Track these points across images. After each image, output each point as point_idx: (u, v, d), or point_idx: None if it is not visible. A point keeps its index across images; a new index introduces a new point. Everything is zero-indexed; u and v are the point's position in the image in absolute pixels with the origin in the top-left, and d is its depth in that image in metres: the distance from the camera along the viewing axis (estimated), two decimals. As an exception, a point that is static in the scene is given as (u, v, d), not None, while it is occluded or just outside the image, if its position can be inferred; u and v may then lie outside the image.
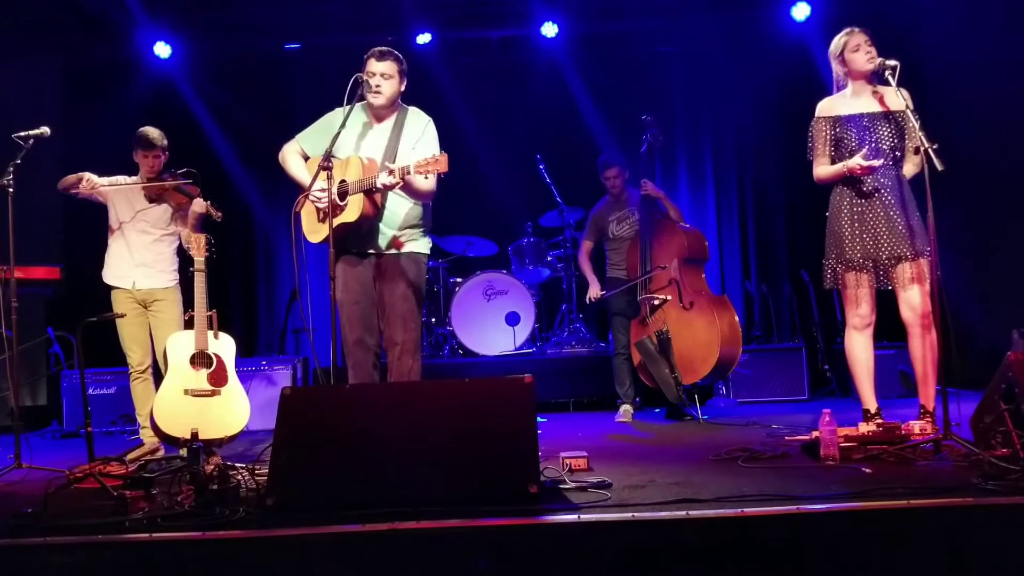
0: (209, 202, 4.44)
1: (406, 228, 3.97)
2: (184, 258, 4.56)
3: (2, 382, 4.58)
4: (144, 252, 4.54)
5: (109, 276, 4.58)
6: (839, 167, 3.83)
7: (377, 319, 3.96)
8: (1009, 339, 5.38)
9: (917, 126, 3.57)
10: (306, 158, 4.02)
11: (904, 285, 3.77)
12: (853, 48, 3.82)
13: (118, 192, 4.55)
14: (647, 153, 5.47)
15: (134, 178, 4.61)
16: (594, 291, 5.63)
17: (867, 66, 3.79)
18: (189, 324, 4.25)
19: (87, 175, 4.50)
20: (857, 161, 3.73)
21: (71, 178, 4.53)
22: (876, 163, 3.74)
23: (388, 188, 3.67)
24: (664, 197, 5.54)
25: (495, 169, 7.16)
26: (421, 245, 4.04)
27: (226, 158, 7.25)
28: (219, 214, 4.46)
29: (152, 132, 4.58)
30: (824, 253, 3.96)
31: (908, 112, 3.65)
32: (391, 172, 3.63)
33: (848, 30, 3.85)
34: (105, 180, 4.57)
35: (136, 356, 4.51)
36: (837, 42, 3.88)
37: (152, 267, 4.53)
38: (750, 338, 6.69)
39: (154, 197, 4.53)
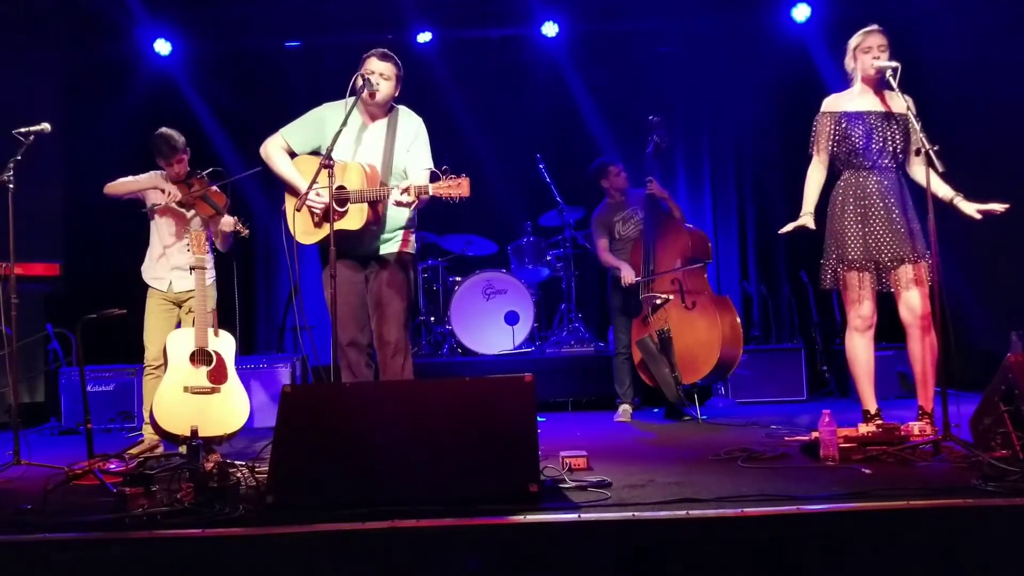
0: (236, 219, 4.46)
1: (399, 230, 3.99)
2: (218, 256, 4.58)
3: (1, 379, 4.58)
4: (178, 255, 4.57)
5: (147, 275, 4.62)
6: (804, 208, 3.99)
7: (368, 319, 3.96)
8: (1008, 341, 5.39)
9: (918, 127, 3.58)
10: (291, 154, 4.00)
11: (904, 286, 3.77)
12: (864, 49, 3.83)
13: (155, 196, 4.56)
14: (653, 153, 5.46)
15: (159, 176, 4.61)
16: (629, 275, 5.37)
17: (869, 71, 3.80)
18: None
19: (171, 188, 4.48)
20: (805, 222, 3.92)
21: (144, 183, 4.53)
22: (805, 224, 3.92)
23: (403, 206, 3.65)
24: (669, 197, 5.53)
25: (495, 168, 7.16)
26: (411, 245, 4.06)
27: (226, 156, 7.22)
28: (246, 231, 4.49)
29: (170, 138, 4.53)
30: (823, 253, 3.96)
31: (910, 114, 3.65)
32: (406, 190, 3.59)
33: (868, 29, 3.85)
34: (143, 180, 4.59)
35: (153, 350, 4.50)
36: (854, 38, 3.89)
37: (187, 268, 4.53)
38: (749, 338, 6.69)
39: (185, 204, 4.53)
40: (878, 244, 3.79)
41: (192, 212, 4.57)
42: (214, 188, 4.52)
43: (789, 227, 3.98)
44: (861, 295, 3.84)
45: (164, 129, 4.58)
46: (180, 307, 4.59)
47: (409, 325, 4.00)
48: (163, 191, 4.51)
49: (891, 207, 3.79)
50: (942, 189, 3.76)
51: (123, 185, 4.58)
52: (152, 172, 4.64)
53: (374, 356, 4.05)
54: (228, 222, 4.47)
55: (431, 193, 3.57)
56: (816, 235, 4.05)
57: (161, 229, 4.60)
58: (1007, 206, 3.69)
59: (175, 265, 4.56)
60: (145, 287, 4.60)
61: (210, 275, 4.54)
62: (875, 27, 3.84)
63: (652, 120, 5.46)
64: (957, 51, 6.15)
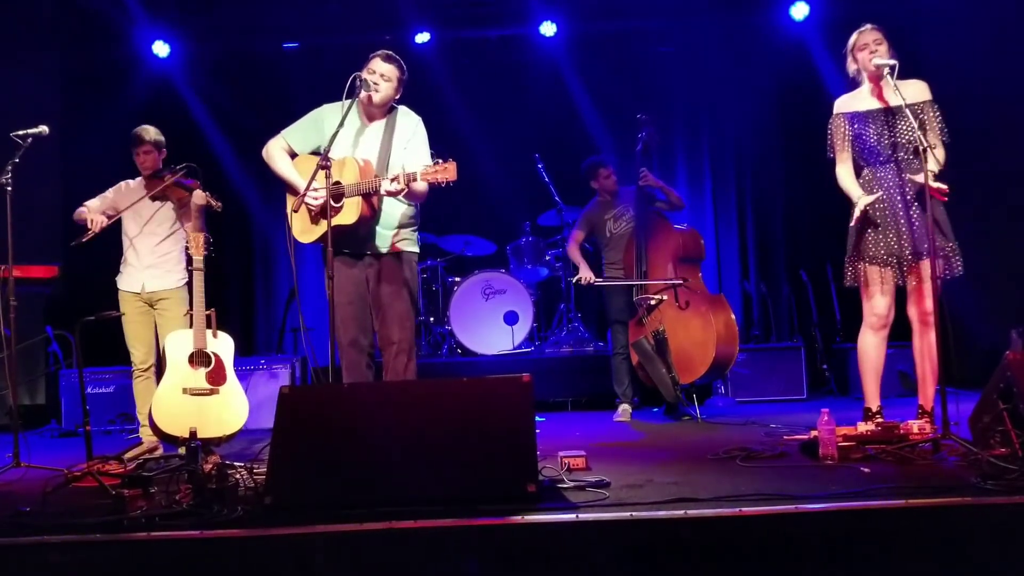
0: (208, 193, 4.43)
1: (400, 228, 3.98)
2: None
3: (1, 381, 4.58)
4: (151, 254, 4.56)
5: (122, 282, 4.60)
6: (852, 196, 3.85)
7: (371, 319, 3.96)
8: (1007, 338, 5.39)
9: (915, 125, 3.59)
10: (292, 155, 4.01)
11: (921, 281, 3.76)
12: (860, 47, 3.84)
13: (124, 203, 4.56)
14: (643, 152, 5.45)
15: (137, 180, 4.61)
16: (587, 274, 5.52)
17: (869, 67, 3.80)
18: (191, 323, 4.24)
19: (93, 215, 4.46)
20: (865, 201, 3.76)
21: (82, 215, 4.55)
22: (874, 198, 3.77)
23: (393, 195, 3.67)
24: (664, 186, 5.53)
25: (493, 168, 7.16)
26: (414, 244, 4.05)
27: (224, 157, 7.25)
28: (218, 204, 4.45)
29: (143, 130, 4.57)
30: (846, 251, 3.95)
31: (905, 109, 3.66)
32: (395, 178, 3.61)
33: (861, 28, 3.86)
34: (110, 195, 4.62)
35: (139, 354, 4.51)
36: (850, 39, 3.89)
37: (160, 267, 4.53)
38: (748, 337, 6.69)
39: (156, 196, 4.53)
40: (899, 239, 3.78)
41: (158, 203, 4.54)
42: (181, 174, 4.49)
43: (857, 212, 3.78)
44: (883, 291, 3.82)
45: (144, 124, 4.61)
46: (154, 307, 4.56)
47: (413, 325, 4.01)
48: (86, 219, 4.48)
49: (909, 202, 3.78)
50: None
51: (78, 216, 4.57)
52: (116, 185, 4.65)
53: (376, 357, 4.05)
54: (199, 194, 4.41)
55: (419, 179, 3.58)
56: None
57: (128, 227, 4.58)
58: (946, 189, 3.63)
59: (148, 264, 4.54)
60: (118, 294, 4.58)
61: (179, 277, 4.55)
62: (868, 25, 3.85)
63: (640, 118, 5.46)
64: (956, 48, 6.14)
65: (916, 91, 3.78)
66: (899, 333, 3.97)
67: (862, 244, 3.86)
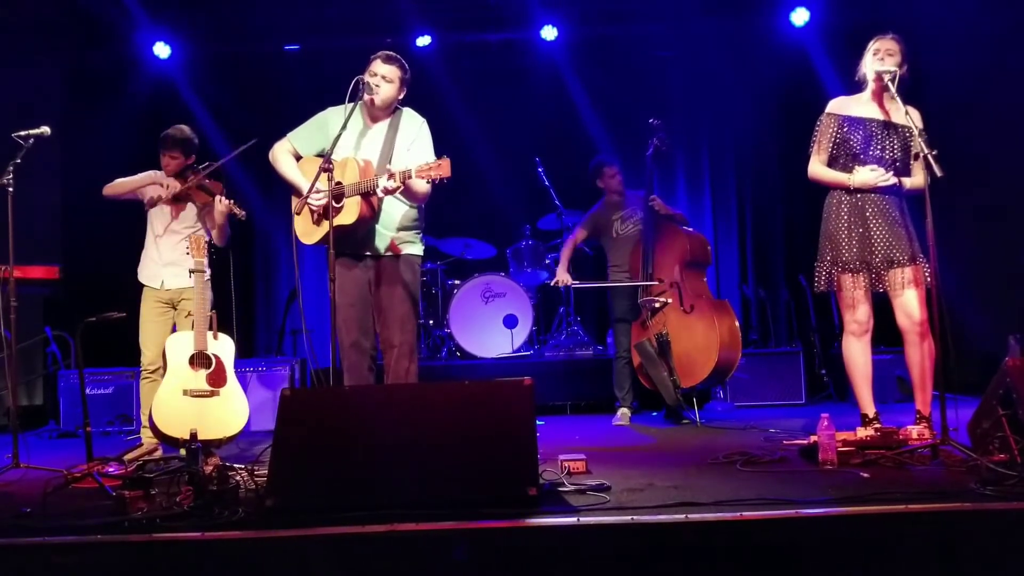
0: (232, 201, 4.45)
1: (402, 230, 3.99)
2: (216, 256, 4.56)
3: (0, 381, 4.58)
4: (172, 251, 4.56)
5: (142, 275, 4.62)
6: (844, 178, 3.84)
7: (373, 321, 3.97)
8: (1006, 344, 5.39)
9: (916, 132, 3.60)
10: (297, 157, 4.02)
11: (899, 291, 3.78)
12: (873, 51, 3.85)
13: (150, 192, 4.58)
14: (653, 156, 5.45)
15: (162, 173, 4.62)
16: (563, 276, 5.54)
17: (871, 72, 3.81)
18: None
19: (169, 182, 4.49)
20: (868, 179, 3.76)
21: (141, 180, 4.58)
22: (890, 181, 3.76)
23: (389, 192, 3.68)
24: (672, 213, 5.52)
25: (494, 171, 7.17)
26: (417, 247, 4.06)
27: (225, 158, 7.25)
28: (242, 213, 4.49)
29: (174, 130, 4.57)
30: (818, 256, 3.97)
31: (911, 120, 3.67)
32: (391, 176, 3.63)
33: (883, 35, 3.86)
34: (141, 178, 4.62)
35: (148, 355, 4.50)
36: (870, 42, 3.89)
37: (180, 265, 4.51)
38: (747, 342, 6.69)
39: (180, 196, 4.54)
40: (871, 246, 3.80)
41: (182, 202, 4.56)
42: (205, 179, 4.50)
43: (866, 178, 3.82)
44: (856, 298, 3.84)
45: (182, 126, 4.63)
46: (175, 309, 4.57)
47: (415, 328, 4.01)
48: (161, 185, 4.53)
49: (883, 210, 3.81)
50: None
51: (121, 185, 4.61)
52: (149, 171, 4.65)
53: (378, 359, 4.06)
54: (222, 203, 4.43)
55: (414, 176, 3.59)
56: (815, 238, 4.05)
57: (155, 224, 4.60)
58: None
59: (168, 261, 4.54)
60: (141, 289, 4.60)
61: (205, 276, 4.54)
62: (891, 34, 3.85)
63: (653, 123, 5.46)
64: (958, 56, 6.15)
65: (911, 117, 3.78)
66: (897, 339, 3.98)
67: (833, 250, 3.88)
